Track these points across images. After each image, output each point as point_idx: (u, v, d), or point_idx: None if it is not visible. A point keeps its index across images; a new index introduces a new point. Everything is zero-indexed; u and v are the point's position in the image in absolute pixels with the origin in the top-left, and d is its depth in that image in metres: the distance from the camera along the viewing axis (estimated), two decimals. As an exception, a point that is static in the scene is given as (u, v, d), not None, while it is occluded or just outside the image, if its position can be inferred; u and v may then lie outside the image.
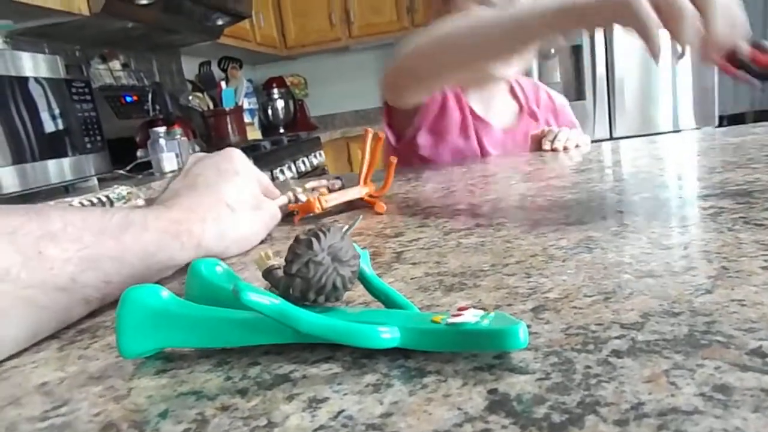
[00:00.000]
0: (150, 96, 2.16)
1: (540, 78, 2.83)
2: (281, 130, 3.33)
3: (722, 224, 0.34)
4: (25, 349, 0.29)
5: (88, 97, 1.49)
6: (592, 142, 0.93)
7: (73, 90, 1.45)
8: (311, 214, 0.54)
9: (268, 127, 3.34)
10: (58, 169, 1.41)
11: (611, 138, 2.76)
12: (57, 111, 1.41)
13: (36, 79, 1.36)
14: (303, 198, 0.54)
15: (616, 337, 0.21)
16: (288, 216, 0.56)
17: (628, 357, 0.19)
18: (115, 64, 2.24)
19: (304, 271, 0.24)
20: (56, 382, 0.24)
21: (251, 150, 2.12)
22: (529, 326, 0.23)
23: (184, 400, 0.21)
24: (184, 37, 2.47)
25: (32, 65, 1.36)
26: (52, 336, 0.30)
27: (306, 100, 3.63)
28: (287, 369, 0.22)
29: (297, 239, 0.25)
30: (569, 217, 0.41)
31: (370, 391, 0.20)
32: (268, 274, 0.28)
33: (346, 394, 0.20)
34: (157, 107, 2.15)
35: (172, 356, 0.25)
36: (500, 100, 1.01)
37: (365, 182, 0.60)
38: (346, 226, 0.27)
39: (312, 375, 0.22)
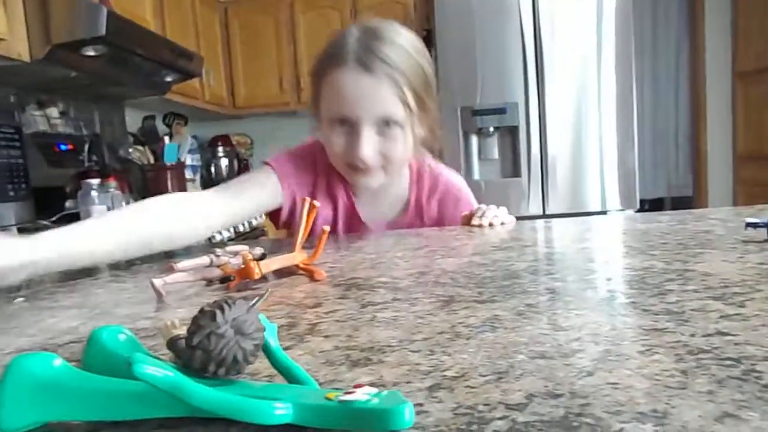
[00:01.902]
0: (87, 146, 2.11)
1: (479, 155, 2.99)
2: (223, 188, 3.29)
3: (615, 308, 0.37)
4: None
5: (17, 144, 1.44)
6: (527, 218, 0.98)
7: (1, 135, 1.40)
8: (247, 280, 0.54)
9: (210, 184, 3.30)
10: (-26, 216, 1.33)
11: (544, 214, 2.90)
12: (-19, 155, 1.35)
13: (-38, 122, 1.31)
14: (224, 259, 0.54)
15: (499, 418, 0.22)
16: (224, 281, 0.55)
17: (505, 438, 0.21)
18: (53, 111, 2.18)
19: (206, 343, 0.24)
20: None
21: (189, 207, 2.08)
22: (422, 405, 0.24)
23: (61, 478, 0.20)
24: (129, 90, 2.46)
25: (-40, 107, 1.32)
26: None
27: (251, 160, 3.64)
28: (176, 445, 0.22)
29: (201, 311, 0.25)
30: (482, 295, 0.43)
31: (255, 470, 0.20)
32: (172, 344, 0.28)
33: (231, 473, 0.20)
34: (94, 158, 2.10)
35: (56, 431, 0.24)
36: (389, 196, 1.00)
37: (299, 249, 0.60)
38: (255, 299, 0.27)
39: (201, 452, 0.21)
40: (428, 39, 3.27)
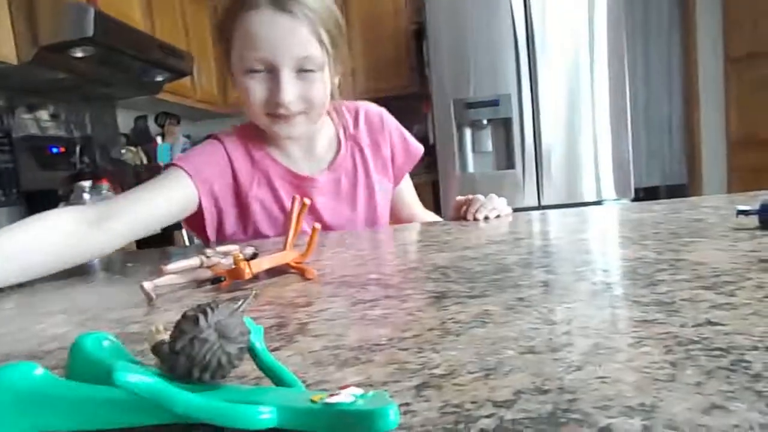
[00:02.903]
0: (79, 148, 2.10)
1: (473, 147, 2.99)
2: (218, 187, 3.28)
3: (605, 300, 0.37)
4: None
5: (7, 148, 1.43)
6: (522, 210, 0.97)
7: (-8, 140, 1.39)
8: (238, 280, 0.53)
9: (204, 183, 3.29)
10: (-34, 222, 1.32)
11: (539, 206, 2.91)
12: (-29, 160, 1.34)
13: (-50, 127, 1.30)
14: (214, 260, 0.54)
15: (486, 416, 0.22)
16: (215, 281, 0.55)
17: (492, 436, 0.20)
18: (43, 114, 2.17)
19: (189, 348, 0.24)
20: None
21: (183, 207, 2.07)
22: (409, 404, 0.24)
23: (42, 490, 0.20)
24: (120, 90, 2.44)
25: (-52, 113, 1.30)
26: None
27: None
28: (161, 453, 0.22)
29: (184, 315, 0.25)
30: (473, 290, 0.43)
31: (239, 476, 0.19)
32: (156, 349, 0.27)
33: (214, 480, 0.19)
34: (86, 160, 2.09)
35: (39, 440, 0.24)
36: (318, 140, 1.01)
37: (290, 247, 0.60)
38: (240, 302, 0.27)
39: (185, 459, 0.21)
40: (419, 32, 3.26)
